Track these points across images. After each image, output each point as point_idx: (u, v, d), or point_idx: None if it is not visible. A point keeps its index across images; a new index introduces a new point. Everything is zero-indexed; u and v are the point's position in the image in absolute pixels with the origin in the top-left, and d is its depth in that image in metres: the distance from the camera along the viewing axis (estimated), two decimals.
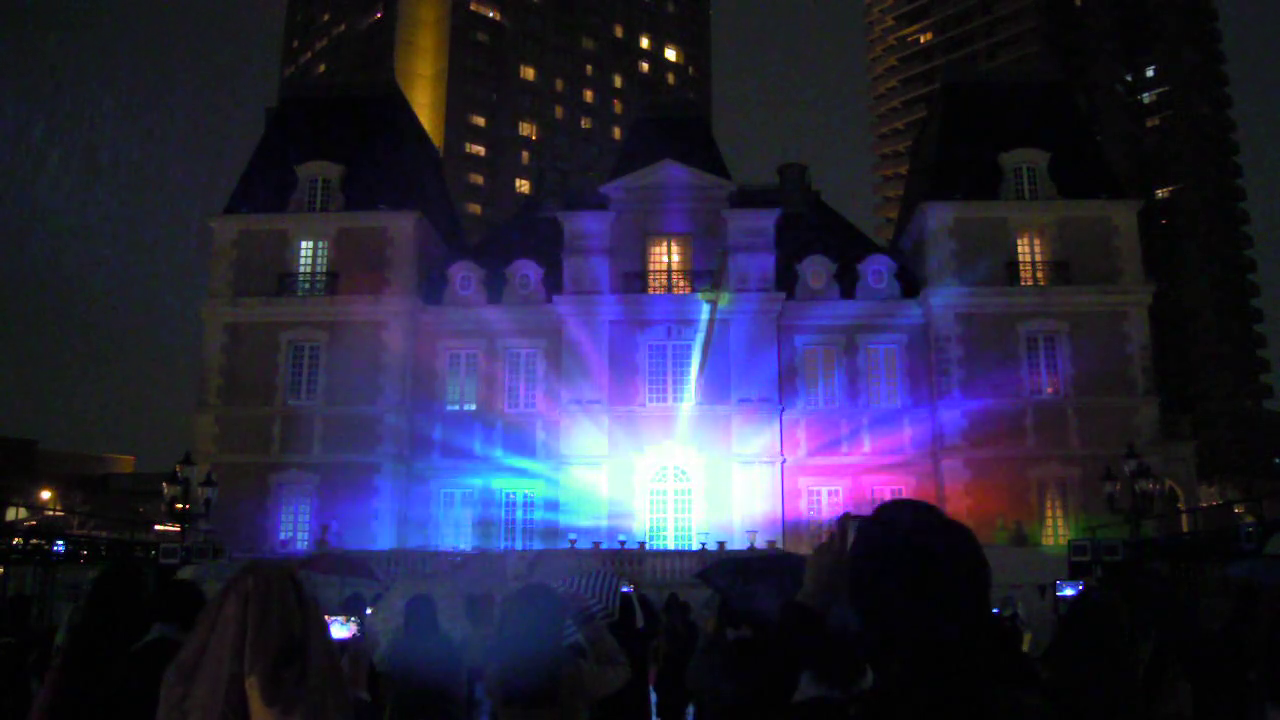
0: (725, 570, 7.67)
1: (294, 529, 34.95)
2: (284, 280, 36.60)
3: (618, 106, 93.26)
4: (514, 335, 36.59)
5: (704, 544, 32.37)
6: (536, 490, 35.54)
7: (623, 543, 32.00)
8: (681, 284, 36.22)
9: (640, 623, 10.65)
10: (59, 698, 3.86)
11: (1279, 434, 79.20)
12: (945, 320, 35.11)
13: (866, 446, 35.10)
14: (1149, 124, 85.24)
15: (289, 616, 2.54)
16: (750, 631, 6.32)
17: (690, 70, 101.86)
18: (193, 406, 36.15)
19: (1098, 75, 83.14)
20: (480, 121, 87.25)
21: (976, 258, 35.54)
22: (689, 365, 35.51)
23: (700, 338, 35.40)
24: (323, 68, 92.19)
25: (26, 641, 8.22)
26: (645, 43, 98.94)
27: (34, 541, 24.11)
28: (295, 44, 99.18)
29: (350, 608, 10.89)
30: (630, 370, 35.40)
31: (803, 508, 34.76)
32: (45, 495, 56.79)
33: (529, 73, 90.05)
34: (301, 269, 36.94)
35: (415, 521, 35.32)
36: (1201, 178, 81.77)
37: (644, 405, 35.21)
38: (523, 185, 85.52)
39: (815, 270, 36.50)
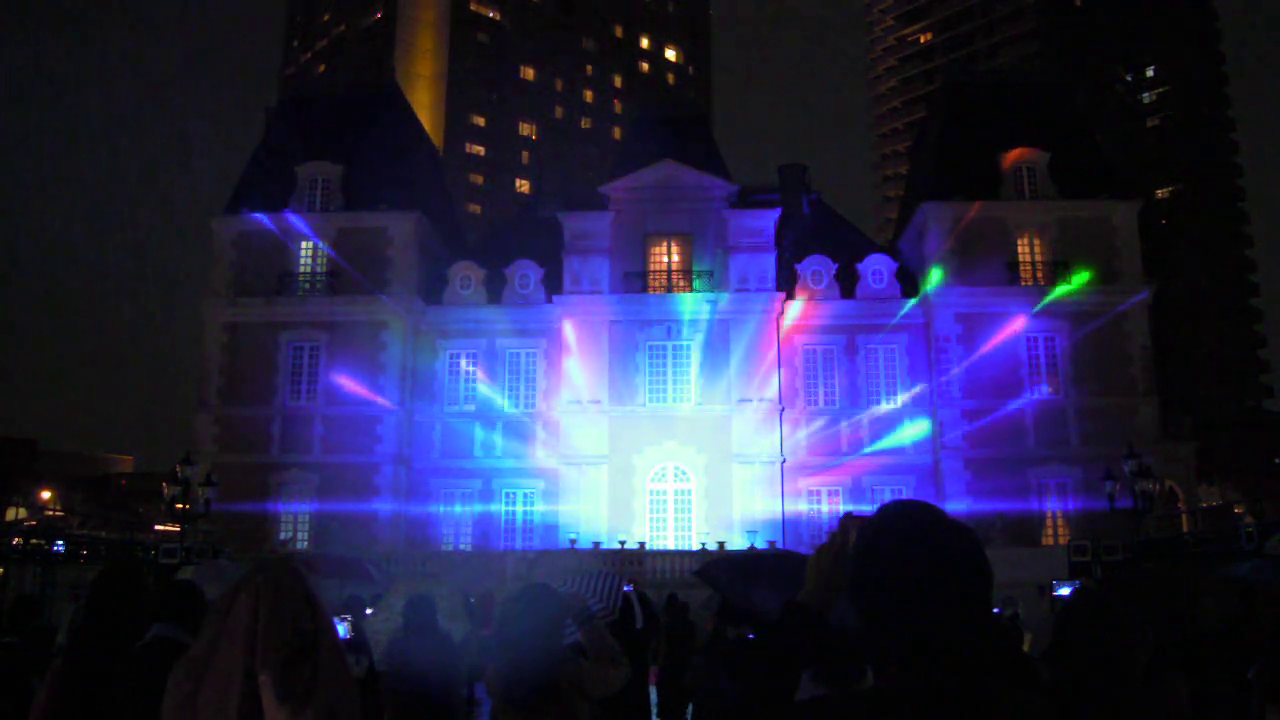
0: (724, 567, 7.67)
1: (294, 529, 34.96)
2: (284, 280, 36.60)
3: (618, 106, 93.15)
4: (514, 335, 36.61)
5: (704, 544, 32.38)
6: (536, 490, 35.55)
7: (623, 543, 32.00)
8: (681, 284, 36.21)
9: (640, 622, 10.65)
10: (59, 697, 3.86)
11: (1279, 434, 79.14)
12: (945, 320, 35.12)
13: (866, 446, 35.11)
14: (1149, 124, 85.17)
15: (300, 614, 2.56)
16: (750, 631, 6.32)
17: (690, 70, 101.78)
18: (193, 406, 36.16)
19: (1098, 75, 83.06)
20: (480, 121, 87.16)
21: (976, 258, 35.54)
22: (689, 365, 35.52)
23: (700, 337, 35.43)
24: (323, 68, 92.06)
25: (28, 641, 8.21)
26: (645, 43, 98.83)
27: (34, 541, 24.14)
28: (295, 44, 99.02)
29: (348, 609, 10.90)
30: (630, 370, 35.40)
31: (803, 508, 34.77)
32: (45, 495, 56.77)
33: (529, 73, 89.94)
34: (301, 269, 36.94)
35: (415, 521, 35.33)
36: (1201, 178, 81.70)
37: (644, 405, 35.21)
38: (523, 185, 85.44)
39: (815, 270, 36.50)
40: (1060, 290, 34.95)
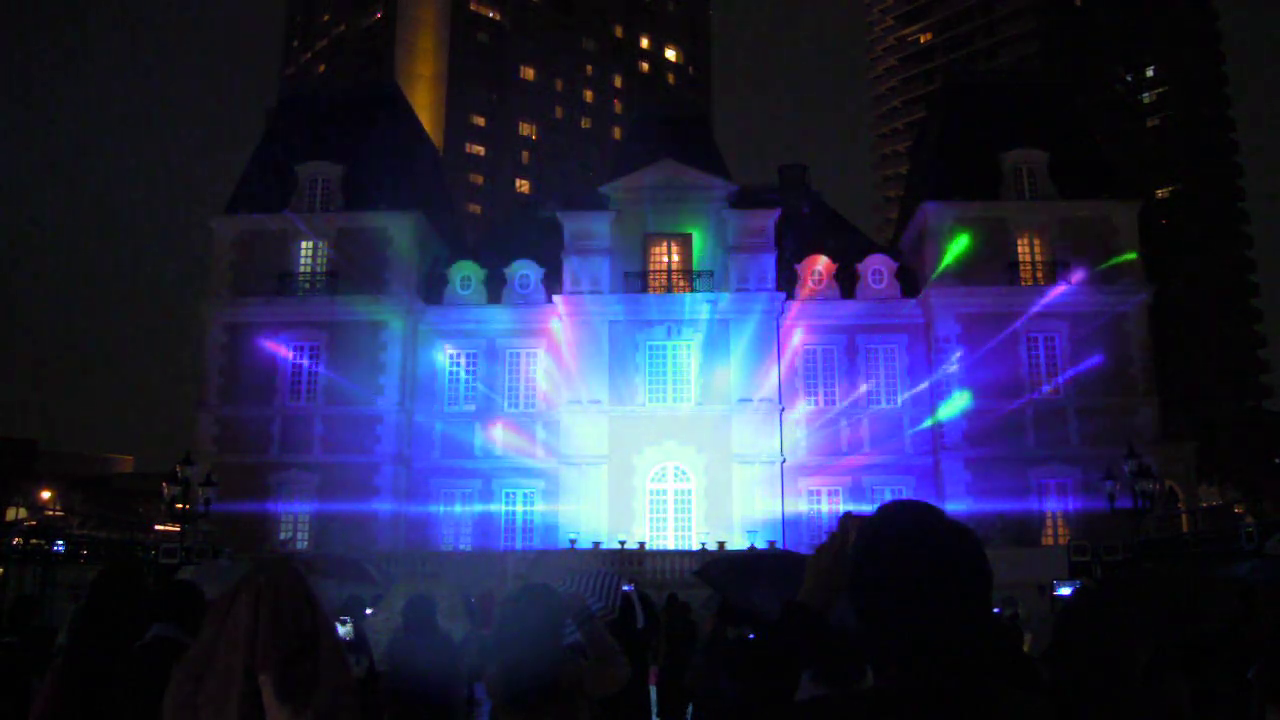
0: (724, 567, 7.66)
1: (294, 529, 34.96)
2: (284, 280, 36.60)
3: (618, 106, 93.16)
4: (514, 335, 36.61)
5: (704, 544, 32.38)
6: (536, 490, 35.55)
7: (623, 542, 31.99)
8: (681, 284, 36.21)
9: (640, 622, 10.64)
10: (60, 697, 3.86)
11: (1279, 434, 79.12)
12: (945, 320, 35.12)
13: (866, 446, 35.10)
14: (1149, 124, 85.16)
15: (300, 614, 2.56)
16: (750, 631, 6.31)
17: (690, 70, 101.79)
18: (193, 406, 36.17)
19: (1098, 75, 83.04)
20: (480, 121, 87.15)
21: (976, 257, 35.54)
22: (689, 365, 35.52)
23: (700, 337, 35.43)
24: (323, 68, 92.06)
25: (28, 641, 8.22)
26: (645, 43, 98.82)
27: (34, 541, 24.12)
28: (295, 44, 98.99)
29: (348, 609, 10.91)
30: (630, 370, 35.39)
31: (803, 508, 34.77)
32: (45, 495, 56.72)
33: (529, 73, 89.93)
34: (301, 269, 36.94)
35: (415, 521, 35.33)
36: (1201, 178, 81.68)
37: (644, 405, 35.20)
38: (523, 185, 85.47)
39: (815, 270, 36.51)
40: (1060, 291, 34.96)
